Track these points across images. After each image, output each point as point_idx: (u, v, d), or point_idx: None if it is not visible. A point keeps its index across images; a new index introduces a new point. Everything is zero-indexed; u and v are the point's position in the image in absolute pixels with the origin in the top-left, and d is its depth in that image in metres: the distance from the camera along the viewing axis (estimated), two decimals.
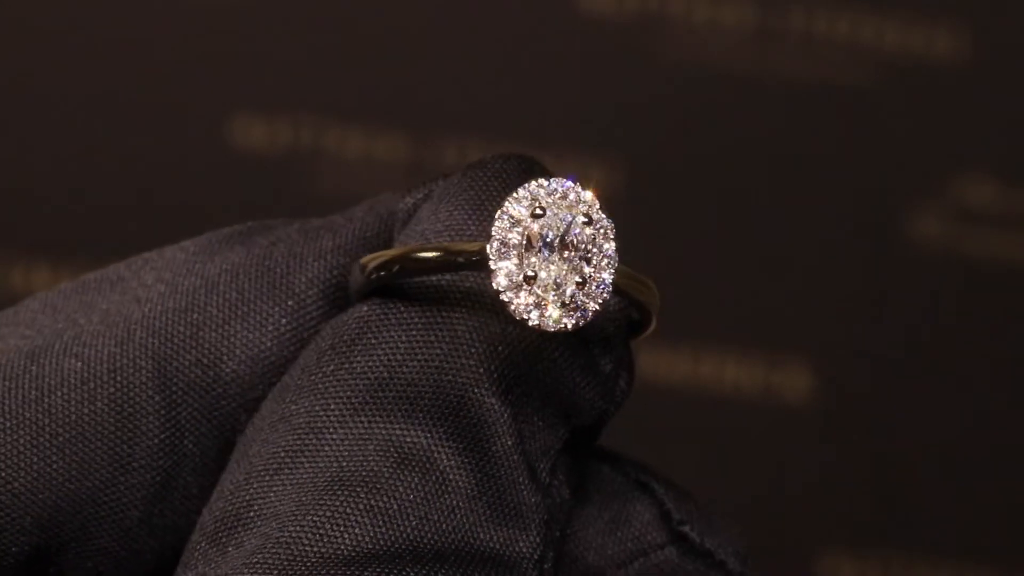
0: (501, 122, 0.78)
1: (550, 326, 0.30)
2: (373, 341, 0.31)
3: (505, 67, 0.79)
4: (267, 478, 0.30)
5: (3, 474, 0.31)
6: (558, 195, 0.31)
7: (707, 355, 0.80)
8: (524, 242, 0.30)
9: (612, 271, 0.30)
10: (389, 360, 0.30)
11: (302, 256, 0.32)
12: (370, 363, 0.30)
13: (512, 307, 0.30)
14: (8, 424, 0.31)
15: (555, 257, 0.30)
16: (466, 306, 0.31)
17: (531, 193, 0.30)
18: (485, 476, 0.30)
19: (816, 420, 0.80)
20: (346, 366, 0.30)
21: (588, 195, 0.30)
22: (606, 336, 0.31)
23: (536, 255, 0.30)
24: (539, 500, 0.30)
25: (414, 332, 0.30)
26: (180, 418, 0.32)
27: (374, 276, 0.31)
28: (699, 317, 0.79)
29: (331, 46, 0.79)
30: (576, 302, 0.30)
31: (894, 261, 0.79)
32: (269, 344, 0.32)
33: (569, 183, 0.31)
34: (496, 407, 0.30)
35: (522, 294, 0.30)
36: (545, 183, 0.31)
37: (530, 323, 0.30)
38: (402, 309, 0.31)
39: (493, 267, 0.30)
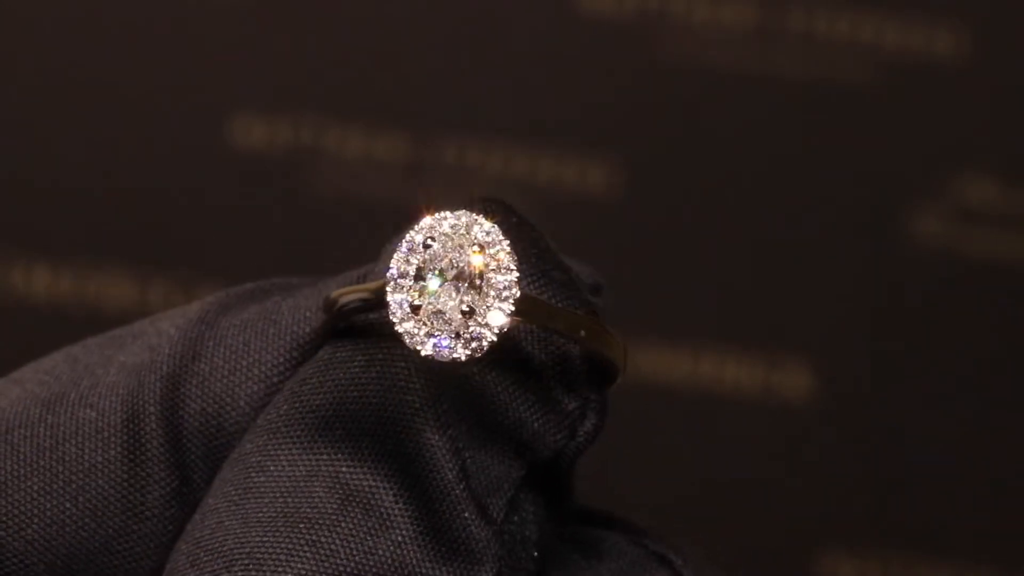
0: (501, 122, 0.78)
1: (444, 355, 0.30)
2: (322, 380, 0.31)
3: (505, 67, 0.78)
4: (217, 517, 0.30)
5: (16, 520, 0.31)
6: (457, 227, 0.30)
7: (707, 355, 0.79)
8: (415, 273, 0.30)
9: (507, 302, 0.30)
10: (335, 399, 0.31)
11: (307, 309, 0.33)
12: (319, 402, 0.31)
13: (406, 338, 0.30)
14: (22, 471, 0.32)
15: (445, 287, 0.30)
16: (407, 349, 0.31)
17: (428, 224, 0.31)
18: (428, 512, 0.30)
19: (816, 420, 0.80)
20: (297, 406, 0.31)
21: (488, 226, 0.30)
22: (570, 375, 0.31)
23: (424, 285, 0.30)
24: (489, 536, 0.30)
25: (357, 371, 0.31)
26: (188, 466, 0.32)
27: (328, 317, 0.32)
28: (699, 317, 0.79)
29: (331, 46, 0.79)
30: (470, 333, 0.30)
31: (894, 261, 0.79)
32: (269, 395, 0.32)
33: (475, 217, 0.30)
34: (436, 442, 0.30)
35: (411, 324, 0.30)
36: (449, 214, 0.31)
37: (423, 353, 0.30)
38: (350, 349, 0.31)
39: (388, 299, 0.30)
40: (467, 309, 0.30)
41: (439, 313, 0.30)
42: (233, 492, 0.31)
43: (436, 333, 0.30)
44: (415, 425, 0.30)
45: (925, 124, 0.78)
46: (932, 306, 0.79)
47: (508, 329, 0.30)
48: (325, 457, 0.30)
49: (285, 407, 0.31)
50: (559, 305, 0.31)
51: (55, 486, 0.32)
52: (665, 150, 0.79)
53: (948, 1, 0.78)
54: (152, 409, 0.32)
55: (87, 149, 0.79)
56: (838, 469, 0.80)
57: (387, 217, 0.78)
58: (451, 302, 0.30)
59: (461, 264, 0.30)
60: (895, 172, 0.79)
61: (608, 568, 0.33)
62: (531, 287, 0.31)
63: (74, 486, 0.32)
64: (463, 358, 0.30)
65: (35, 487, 0.32)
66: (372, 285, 0.31)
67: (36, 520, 0.31)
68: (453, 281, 0.30)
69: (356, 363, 0.31)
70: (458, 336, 0.30)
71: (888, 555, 0.80)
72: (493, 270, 0.30)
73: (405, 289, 0.30)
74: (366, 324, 0.31)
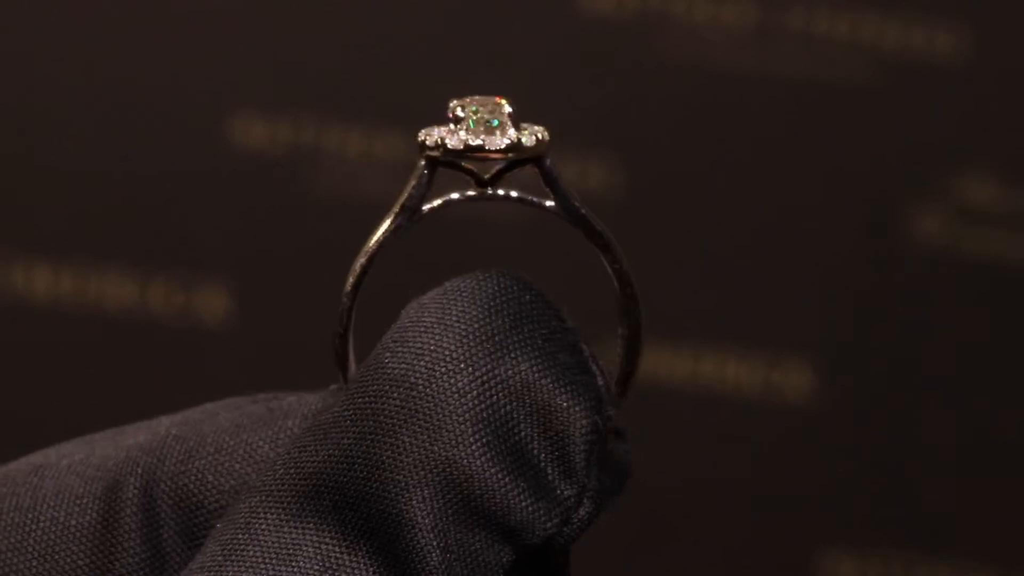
0: None
1: (498, 145, 0.31)
2: (317, 449, 0.31)
3: (505, 67, 0.79)
4: (202, 574, 0.30)
5: None
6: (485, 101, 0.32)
7: (707, 354, 0.80)
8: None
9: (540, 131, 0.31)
10: (327, 467, 0.30)
11: (304, 401, 0.33)
12: (311, 470, 0.31)
13: (432, 138, 0.31)
14: None
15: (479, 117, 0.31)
16: (402, 417, 0.30)
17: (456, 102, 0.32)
18: None
19: (817, 419, 0.80)
20: (291, 470, 0.31)
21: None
22: (568, 460, 0.31)
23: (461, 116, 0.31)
24: None
25: (349, 440, 0.30)
26: (162, 540, 0.32)
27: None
28: (699, 317, 0.79)
29: (331, 46, 0.79)
30: (504, 128, 0.31)
31: (894, 261, 0.79)
32: (255, 475, 0.32)
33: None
34: (422, 522, 0.30)
35: (460, 133, 0.31)
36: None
37: (449, 145, 0.31)
38: (347, 409, 0.31)
39: (422, 137, 0.32)
40: (511, 110, 0.31)
41: (482, 120, 0.31)
42: (219, 552, 0.30)
43: (466, 128, 0.31)
44: (400, 503, 0.30)
45: (925, 124, 0.78)
46: (932, 306, 0.79)
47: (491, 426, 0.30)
48: (311, 527, 0.30)
49: (280, 471, 0.31)
50: (561, 390, 0.31)
51: (27, 544, 0.32)
52: (665, 150, 0.79)
53: (948, 1, 0.78)
54: (132, 480, 0.32)
55: (87, 149, 0.79)
56: (838, 469, 0.80)
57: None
58: (492, 110, 0.32)
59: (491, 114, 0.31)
60: (895, 172, 0.79)
61: None
62: (533, 368, 0.31)
63: (44, 546, 0.32)
64: (491, 149, 0.31)
65: (5, 543, 0.32)
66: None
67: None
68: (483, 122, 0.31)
69: (349, 432, 0.31)
70: (505, 132, 0.31)
71: (888, 555, 0.80)
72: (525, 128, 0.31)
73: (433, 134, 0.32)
74: (369, 381, 0.31)
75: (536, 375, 0.31)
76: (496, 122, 0.31)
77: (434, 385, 0.30)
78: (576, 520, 0.31)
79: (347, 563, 0.30)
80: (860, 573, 0.80)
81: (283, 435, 0.32)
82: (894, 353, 0.80)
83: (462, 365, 0.30)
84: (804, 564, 0.80)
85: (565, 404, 0.31)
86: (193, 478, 0.32)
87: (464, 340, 0.30)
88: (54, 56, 0.79)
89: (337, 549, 0.30)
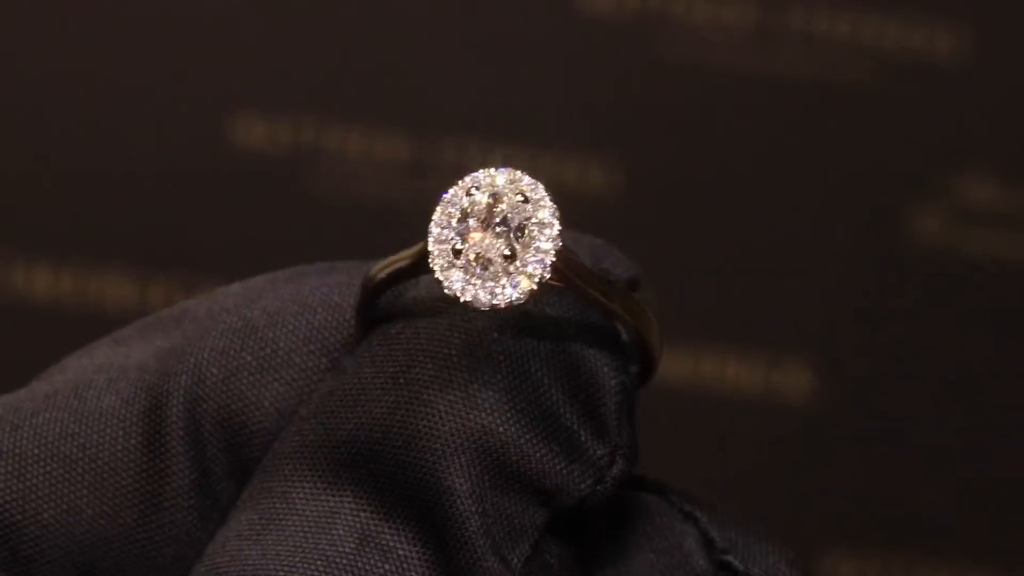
0: (501, 122, 0.78)
1: (483, 302, 0.30)
2: (348, 416, 0.31)
3: (505, 67, 0.78)
4: (239, 544, 0.31)
5: (33, 506, 0.31)
6: (502, 180, 0.30)
7: (707, 355, 0.79)
8: (457, 220, 0.30)
9: (548, 253, 0.30)
10: (361, 435, 0.31)
11: (340, 308, 0.32)
12: (344, 436, 0.31)
13: (445, 284, 0.30)
14: (43, 455, 0.32)
15: (488, 232, 0.30)
16: (438, 387, 0.31)
17: (470, 178, 0.30)
18: (447, 561, 0.30)
19: (816, 419, 0.80)
20: (324, 436, 0.31)
21: (531, 181, 0.30)
22: (600, 420, 0.31)
23: (467, 229, 0.30)
24: None
25: (383, 410, 0.31)
26: (208, 459, 0.32)
27: (363, 294, 0.32)
28: (699, 317, 0.79)
29: (331, 46, 0.79)
30: (510, 279, 0.30)
31: (894, 261, 0.79)
32: (297, 399, 0.32)
33: (518, 173, 0.30)
34: (460, 490, 0.30)
35: (452, 270, 0.30)
36: (492, 170, 0.30)
37: (463, 299, 0.30)
38: (377, 377, 0.31)
39: (430, 248, 0.30)
40: (508, 253, 0.30)
41: (480, 257, 0.30)
42: (257, 520, 0.31)
43: (477, 279, 0.30)
44: (439, 471, 0.30)
45: (925, 124, 0.78)
46: (932, 306, 0.79)
47: (545, 294, 0.30)
48: (348, 496, 0.30)
49: (311, 436, 0.31)
50: (589, 351, 0.31)
51: (74, 474, 0.32)
52: (665, 150, 0.79)
53: (948, 1, 0.78)
54: (175, 402, 0.32)
55: (87, 148, 0.79)
56: (838, 469, 0.80)
57: (387, 217, 0.78)
58: (494, 246, 0.30)
59: (504, 211, 0.30)
60: (895, 172, 0.79)
61: (632, 529, 0.33)
62: (561, 331, 0.31)
63: (92, 474, 0.32)
64: (503, 304, 0.30)
65: (55, 473, 0.32)
66: (411, 251, 0.31)
67: (53, 507, 0.31)
68: (496, 226, 0.30)
69: (381, 402, 0.31)
70: (498, 281, 0.30)
71: (888, 555, 0.80)
72: (536, 223, 0.30)
73: (446, 239, 0.30)
74: (399, 341, 0.31)
75: (565, 338, 0.31)
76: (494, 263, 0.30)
77: (468, 357, 0.31)
78: (610, 479, 0.31)
79: (385, 531, 0.30)
80: (860, 573, 0.80)
81: (324, 360, 0.32)
82: (894, 353, 0.79)
83: (495, 334, 0.31)
84: (804, 564, 0.80)
85: (593, 365, 0.31)
86: (236, 398, 0.32)
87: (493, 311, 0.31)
88: (54, 56, 0.79)
89: (375, 518, 0.30)
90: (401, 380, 0.31)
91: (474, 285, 0.30)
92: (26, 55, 0.79)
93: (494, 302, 0.30)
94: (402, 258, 0.31)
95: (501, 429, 0.30)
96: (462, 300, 0.30)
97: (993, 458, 0.80)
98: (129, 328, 0.34)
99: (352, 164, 0.79)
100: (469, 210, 0.30)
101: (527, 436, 0.30)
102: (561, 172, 0.78)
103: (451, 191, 0.30)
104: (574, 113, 0.78)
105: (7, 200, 0.79)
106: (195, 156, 0.79)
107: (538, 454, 0.30)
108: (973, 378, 0.79)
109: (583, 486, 0.31)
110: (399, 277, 0.31)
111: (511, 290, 0.30)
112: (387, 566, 0.30)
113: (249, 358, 0.32)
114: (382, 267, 0.31)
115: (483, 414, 0.30)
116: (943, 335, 0.79)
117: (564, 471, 0.31)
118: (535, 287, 0.30)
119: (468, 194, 0.30)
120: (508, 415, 0.30)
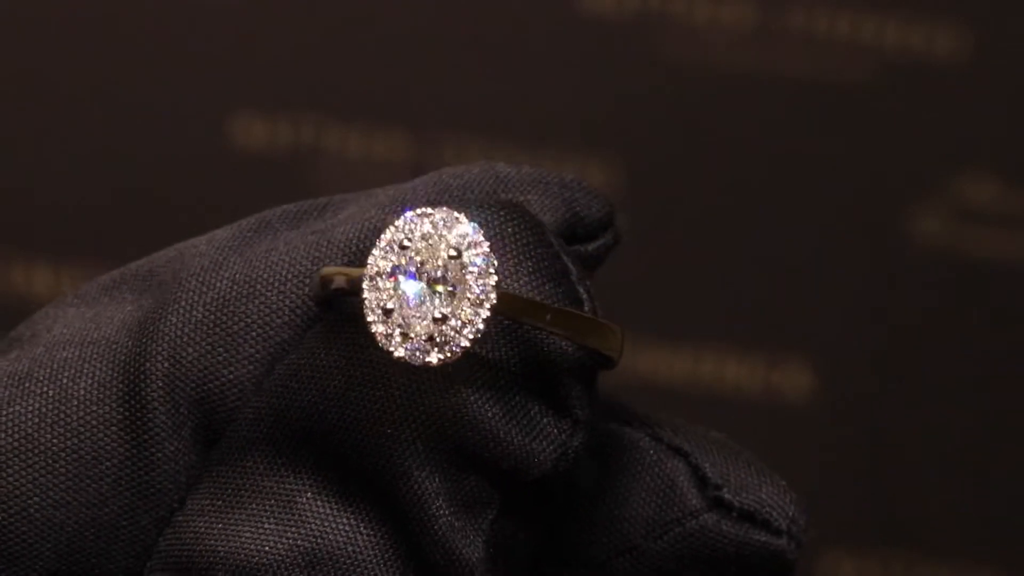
0: (501, 122, 0.78)
1: (417, 360, 0.30)
2: (302, 394, 0.31)
3: (505, 67, 0.79)
4: (205, 519, 0.31)
5: (18, 502, 0.31)
6: (436, 226, 0.30)
7: (707, 355, 0.80)
8: (389, 272, 0.30)
9: (482, 307, 0.30)
10: (317, 410, 0.30)
11: (310, 276, 0.32)
12: (300, 412, 0.31)
13: (379, 339, 0.30)
14: (23, 447, 0.31)
15: (419, 291, 0.30)
16: (394, 367, 0.30)
17: (407, 221, 0.30)
18: (406, 541, 0.30)
19: (816, 419, 0.80)
20: (283, 411, 0.31)
21: (467, 227, 0.30)
22: (559, 397, 0.31)
23: (398, 286, 0.30)
24: (473, 563, 0.30)
25: (337, 385, 0.30)
26: (188, 441, 0.32)
27: (315, 296, 0.32)
28: (699, 317, 0.79)
29: (331, 46, 0.79)
30: (443, 338, 0.30)
31: (894, 261, 0.79)
32: (267, 373, 0.32)
33: (456, 216, 0.30)
34: (417, 469, 0.30)
35: (383, 327, 0.30)
36: (431, 211, 0.30)
37: (395, 355, 0.30)
38: (331, 358, 0.31)
39: (364, 296, 0.30)
40: (439, 316, 0.29)
41: (412, 317, 0.30)
42: (218, 496, 0.31)
43: (409, 337, 0.30)
44: (396, 452, 0.30)
45: (925, 124, 0.78)
46: (932, 306, 0.79)
47: (484, 335, 0.30)
48: (307, 473, 0.30)
49: (270, 411, 0.31)
50: (544, 302, 0.31)
51: (57, 465, 0.31)
52: (665, 150, 0.79)
53: (948, 1, 0.78)
54: (155, 386, 0.32)
55: (87, 149, 0.79)
56: (838, 469, 0.80)
57: None
58: (424, 306, 0.30)
59: (435, 268, 0.30)
60: (895, 172, 0.79)
61: (623, 468, 0.32)
62: (517, 282, 0.31)
63: (76, 465, 0.31)
64: (435, 362, 0.30)
65: (36, 465, 0.31)
66: (354, 272, 0.31)
67: (38, 500, 0.31)
68: (427, 284, 0.30)
69: (336, 380, 0.31)
70: (431, 340, 0.30)
71: (888, 555, 0.80)
72: (470, 274, 0.30)
73: (380, 289, 0.30)
74: (351, 327, 0.31)
75: (522, 286, 0.31)
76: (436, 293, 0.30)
77: None
78: (571, 451, 0.31)
79: (346, 511, 0.30)
80: (860, 573, 0.80)
81: (289, 333, 0.32)
82: (894, 353, 0.80)
83: None
84: (804, 564, 0.80)
85: (550, 343, 0.31)
86: (212, 377, 0.32)
87: None
88: (55, 56, 0.79)
89: (334, 499, 0.30)
90: (356, 360, 0.30)
91: (407, 342, 0.30)
92: (27, 55, 0.79)
93: (426, 360, 0.30)
94: (345, 274, 0.31)
95: (459, 407, 0.30)
96: (395, 356, 0.30)
97: (993, 458, 0.80)
98: (95, 285, 0.34)
99: (352, 164, 0.79)
100: (402, 264, 0.30)
101: (487, 415, 0.30)
102: (561, 172, 0.78)
103: (389, 231, 0.30)
104: (574, 113, 0.78)
105: (7, 200, 0.79)
106: (195, 156, 0.79)
107: (498, 434, 0.30)
108: (973, 378, 0.79)
109: (545, 463, 0.31)
110: (341, 294, 0.31)
111: (438, 354, 0.30)
112: (349, 547, 0.30)
113: (223, 334, 0.32)
114: (330, 273, 0.31)
115: (440, 394, 0.30)
116: (943, 335, 0.79)
117: (524, 448, 0.30)
118: (467, 345, 0.30)
119: (402, 246, 0.30)
120: (466, 393, 0.30)
